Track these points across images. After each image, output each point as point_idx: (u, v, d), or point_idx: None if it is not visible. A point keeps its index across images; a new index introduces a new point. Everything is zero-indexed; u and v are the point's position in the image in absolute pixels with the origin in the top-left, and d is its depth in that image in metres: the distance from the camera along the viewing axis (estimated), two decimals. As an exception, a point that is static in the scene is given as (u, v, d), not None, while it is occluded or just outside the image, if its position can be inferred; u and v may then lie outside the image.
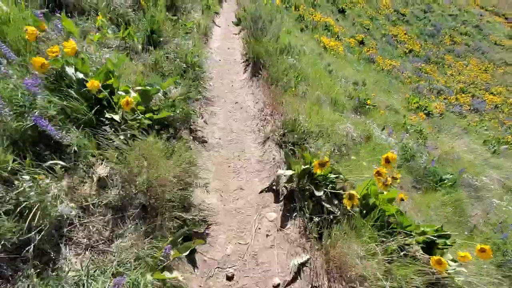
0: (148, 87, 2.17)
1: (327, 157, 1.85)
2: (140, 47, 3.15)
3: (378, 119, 4.93)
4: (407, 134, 4.99)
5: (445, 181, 3.82)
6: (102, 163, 1.64)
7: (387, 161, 1.59)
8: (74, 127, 1.60)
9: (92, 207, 1.44)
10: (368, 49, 10.37)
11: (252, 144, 2.85)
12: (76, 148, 1.52)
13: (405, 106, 6.76)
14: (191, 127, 2.74)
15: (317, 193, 1.88)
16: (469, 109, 9.60)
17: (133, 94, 2.06)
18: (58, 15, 2.40)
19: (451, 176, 3.92)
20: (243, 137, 2.95)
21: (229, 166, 2.50)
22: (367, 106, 5.06)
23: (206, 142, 2.73)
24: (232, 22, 6.28)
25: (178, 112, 2.39)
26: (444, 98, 9.59)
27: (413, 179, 3.86)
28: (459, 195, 3.57)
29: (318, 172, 1.80)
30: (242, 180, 2.36)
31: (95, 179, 1.55)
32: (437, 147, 5.11)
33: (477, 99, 10.69)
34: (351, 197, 1.59)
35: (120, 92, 1.99)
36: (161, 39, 3.48)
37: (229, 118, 3.25)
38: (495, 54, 16.56)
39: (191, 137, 2.61)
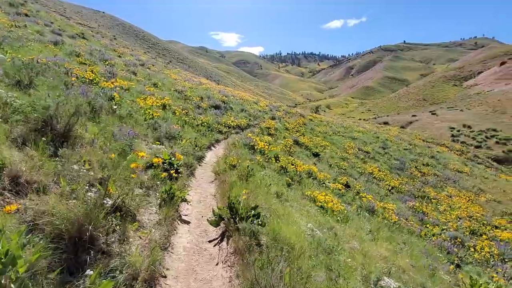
0: None
1: None
2: None
3: None
4: None
5: None
6: None
7: None
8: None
9: None
10: (362, 195, 9.18)
11: None
12: None
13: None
14: None
15: None
16: (502, 259, 7.81)
17: None
18: None
19: None
20: None
21: None
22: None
23: None
24: (208, 220, 3.81)
25: None
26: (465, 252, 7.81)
27: None
28: None
29: None
30: None
31: None
32: None
33: (497, 240, 9.17)
34: None
35: None
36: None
37: None
38: (465, 182, 16.89)
39: None
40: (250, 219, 3.04)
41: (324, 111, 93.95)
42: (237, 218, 3.34)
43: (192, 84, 18.45)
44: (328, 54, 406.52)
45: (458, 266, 6.42)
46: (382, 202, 9.67)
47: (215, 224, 3.54)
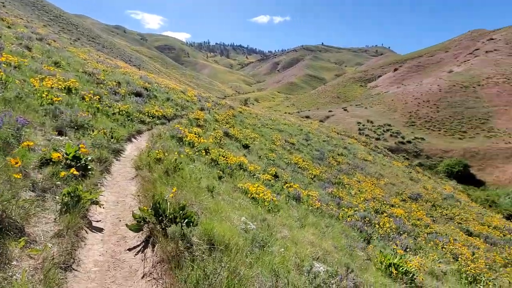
0: None
1: None
2: None
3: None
4: None
5: None
6: None
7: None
8: None
9: None
10: (290, 185, 9.62)
11: None
12: None
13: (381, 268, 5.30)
14: None
15: None
16: (399, 232, 9.39)
17: None
18: None
19: None
20: None
21: None
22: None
23: None
24: (128, 224, 3.11)
25: None
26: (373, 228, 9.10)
27: None
28: None
29: None
30: None
31: None
32: None
33: (394, 216, 10.97)
34: None
35: None
36: None
37: None
38: (369, 169, 19.73)
39: None
40: (179, 220, 2.65)
41: (253, 103, 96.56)
42: (165, 220, 2.90)
43: (107, 67, 16.11)
44: (256, 48, 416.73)
45: (368, 242, 7.35)
46: (307, 190, 10.36)
47: (137, 229, 3.00)
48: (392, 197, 15.16)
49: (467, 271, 7.16)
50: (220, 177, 7.22)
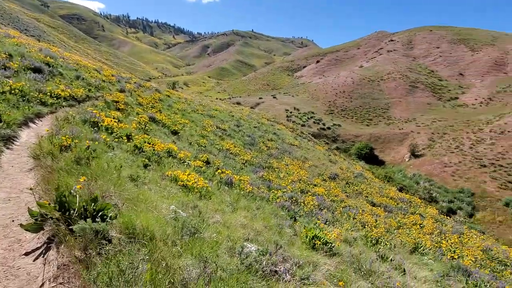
0: None
1: None
2: None
3: None
4: None
5: None
6: None
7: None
8: None
9: None
10: (222, 171, 9.54)
11: None
12: None
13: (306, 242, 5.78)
14: None
15: None
16: (320, 208, 10.46)
17: None
18: None
19: None
20: None
21: None
22: None
23: None
24: (23, 224, 2.53)
25: None
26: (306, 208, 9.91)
27: None
28: None
29: None
30: None
31: None
32: None
33: (317, 195, 12.14)
34: None
35: None
36: None
37: None
38: (296, 153, 21.25)
39: None
40: (90, 214, 2.28)
41: (182, 88, 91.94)
42: (74, 215, 2.46)
43: (-10, 34, 12.78)
44: (184, 28, 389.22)
45: (295, 219, 7.95)
46: (239, 175, 10.50)
47: (35, 228, 2.47)
48: (315, 178, 16.73)
49: (372, 235, 8.50)
50: (146, 165, 6.64)
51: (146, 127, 10.47)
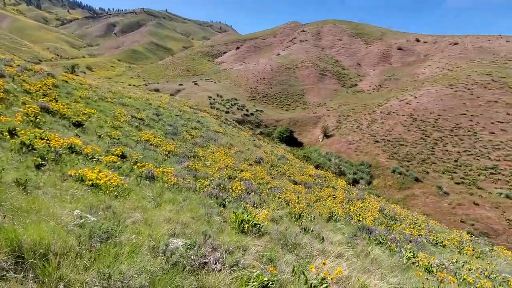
0: None
1: None
2: None
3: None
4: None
5: None
6: None
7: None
8: None
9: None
10: (141, 164, 8.64)
11: None
12: None
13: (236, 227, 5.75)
14: None
15: None
16: (248, 192, 10.72)
17: None
18: None
19: None
20: None
21: None
22: None
23: None
24: None
25: None
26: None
27: None
28: None
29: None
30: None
31: None
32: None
33: (244, 180, 12.38)
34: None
35: None
36: None
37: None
38: (221, 140, 21.16)
39: None
40: None
41: (85, 72, 79.64)
42: None
43: None
44: (81, 2, 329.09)
45: (224, 206, 7.92)
46: (161, 167, 9.77)
47: None
48: (242, 163, 17.05)
49: (295, 211, 9.23)
50: (39, 166, 5.44)
51: (38, 120, 8.60)
